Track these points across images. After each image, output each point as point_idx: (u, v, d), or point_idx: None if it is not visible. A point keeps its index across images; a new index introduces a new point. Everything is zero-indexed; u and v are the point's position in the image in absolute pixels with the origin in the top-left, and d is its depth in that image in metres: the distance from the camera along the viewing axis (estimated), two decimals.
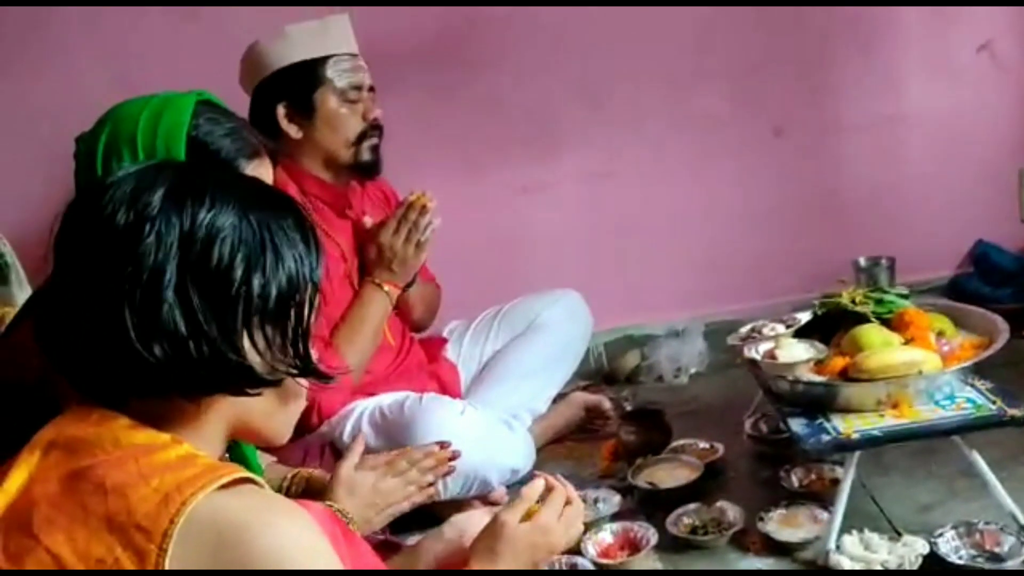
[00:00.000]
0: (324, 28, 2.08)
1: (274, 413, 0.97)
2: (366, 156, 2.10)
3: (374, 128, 2.11)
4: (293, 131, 2.06)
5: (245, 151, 1.31)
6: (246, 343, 0.90)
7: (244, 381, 0.91)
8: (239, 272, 0.89)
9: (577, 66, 2.74)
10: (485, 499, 2.02)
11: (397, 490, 1.54)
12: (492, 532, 1.27)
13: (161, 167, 0.95)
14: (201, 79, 1.46)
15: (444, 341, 2.41)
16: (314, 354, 0.97)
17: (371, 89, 2.12)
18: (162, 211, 0.88)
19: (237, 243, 0.89)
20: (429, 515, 1.96)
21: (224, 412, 0.93)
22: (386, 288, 2.10)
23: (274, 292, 0.91)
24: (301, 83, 2.04)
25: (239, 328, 0.89)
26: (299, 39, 2.05)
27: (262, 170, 1.33)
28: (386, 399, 2.06)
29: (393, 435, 1.97)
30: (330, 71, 2.05)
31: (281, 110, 2.05)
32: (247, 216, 0.91)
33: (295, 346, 0.94)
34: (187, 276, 0.87)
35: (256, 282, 0.90)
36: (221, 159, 1.28)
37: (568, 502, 1.32)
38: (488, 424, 2.04)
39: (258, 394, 0.93)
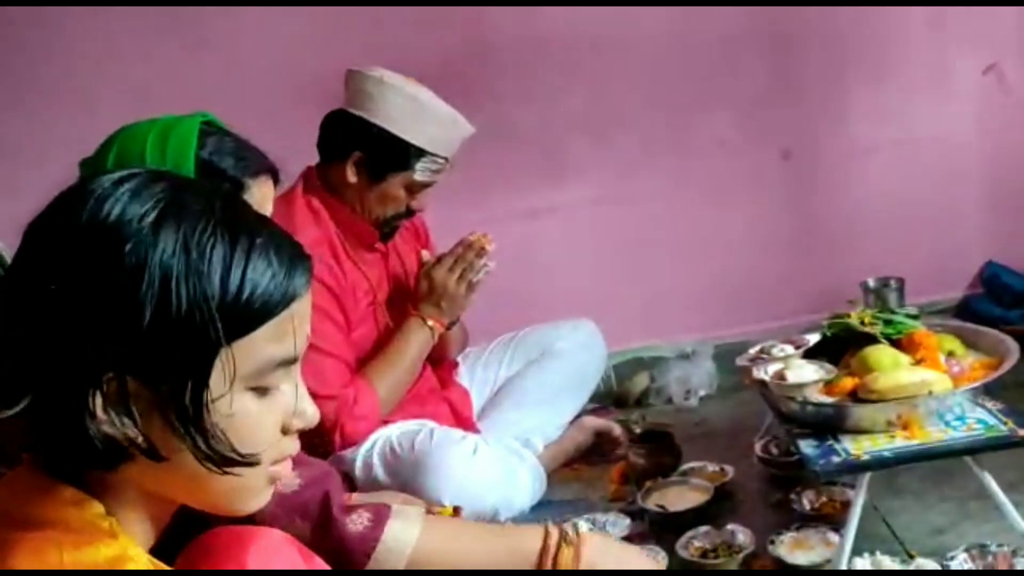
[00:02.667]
0: (451, 125, 2.04)
1: (207, 478, 0.73)
2: (386, 229, 2.11)
3: (410, 214, 2.12)
4: (350, 173, 2.03)
5: (250, 169, 1.34)
6: (94, 399, 0.69)
7: (83, 453, 0.71)
8: (117, 297, 0.69)
9: (586, 92, 2.76)
10: None
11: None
12: None
13: (130, 175, 0.76)
14: (211, 105, 1.48)
15: (455, 366, 2.41)
16: (217, 428, 0.72)
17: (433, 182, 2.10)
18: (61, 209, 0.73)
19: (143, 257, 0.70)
20: None
21: (132, 477, 0.74)
22: (430, 323, 2.09)
23: (145, 323, 0.69)
24: (389, 156, 2.01)
25: (87, 376, 0.69)
26: (423, 117, 2.00)
27: (266, 188, 1.36)
28: (396, 431, 2.04)
29: (403, 472, 1.96)
30: (419, 165, 2.02)
31: (356, 155, 2.02)
32: (164, 216, 0.72)
33: (180, 409, 0.70)
34: (47, 296, 0.69)
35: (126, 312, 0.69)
36: (228, 176, 1.30)
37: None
38: (499, 462, 2.03)
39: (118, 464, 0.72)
